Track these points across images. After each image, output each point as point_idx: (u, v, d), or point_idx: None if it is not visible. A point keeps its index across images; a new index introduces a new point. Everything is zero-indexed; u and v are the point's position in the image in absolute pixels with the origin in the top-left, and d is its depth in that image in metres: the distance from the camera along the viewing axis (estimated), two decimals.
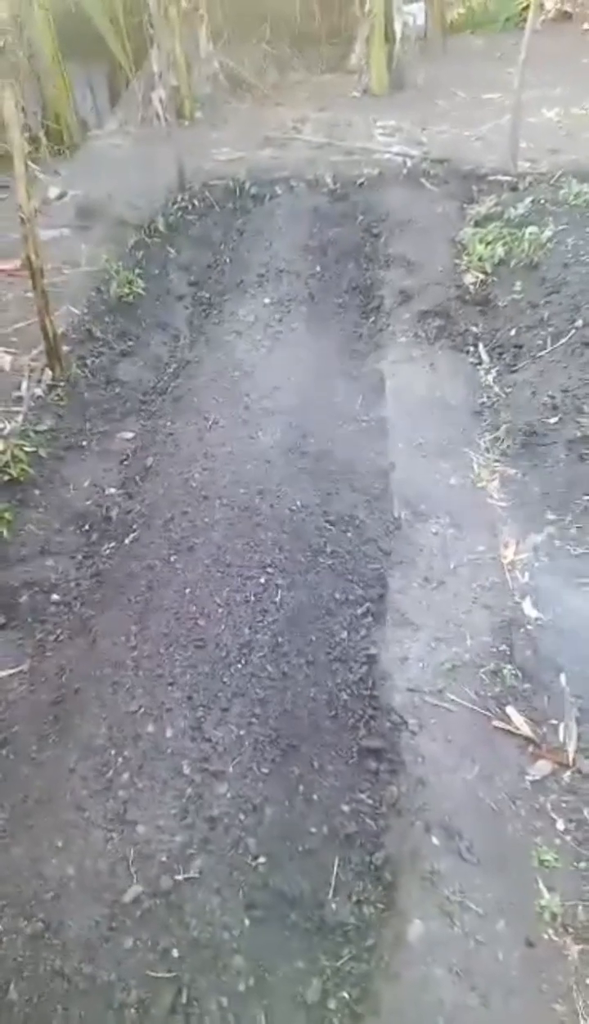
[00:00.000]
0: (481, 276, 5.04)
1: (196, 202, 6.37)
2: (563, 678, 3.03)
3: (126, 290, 5.28)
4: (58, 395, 4.51)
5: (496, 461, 3.93)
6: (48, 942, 2.36)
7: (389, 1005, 2.27)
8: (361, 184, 6.41)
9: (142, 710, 2.94)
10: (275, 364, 4.70)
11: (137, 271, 5.46)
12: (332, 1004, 2.27)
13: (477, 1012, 2.25)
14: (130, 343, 4.96)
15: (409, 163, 6.60)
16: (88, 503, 3.95)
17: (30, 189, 4.19)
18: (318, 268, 5.47)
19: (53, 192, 6.63)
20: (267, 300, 5.23)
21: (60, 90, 7.38)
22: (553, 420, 3.99)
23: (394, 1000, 2.28)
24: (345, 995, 2.28)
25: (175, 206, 6.28)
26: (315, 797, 2.69)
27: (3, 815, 2.69)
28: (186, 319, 5.15)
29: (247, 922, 2.41)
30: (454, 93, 8.04)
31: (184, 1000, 2.26)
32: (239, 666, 3.08)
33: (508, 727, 2.90)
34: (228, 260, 5.69)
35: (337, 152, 7.00)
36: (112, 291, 5.28)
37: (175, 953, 2.35)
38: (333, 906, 2.45)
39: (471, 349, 4.63)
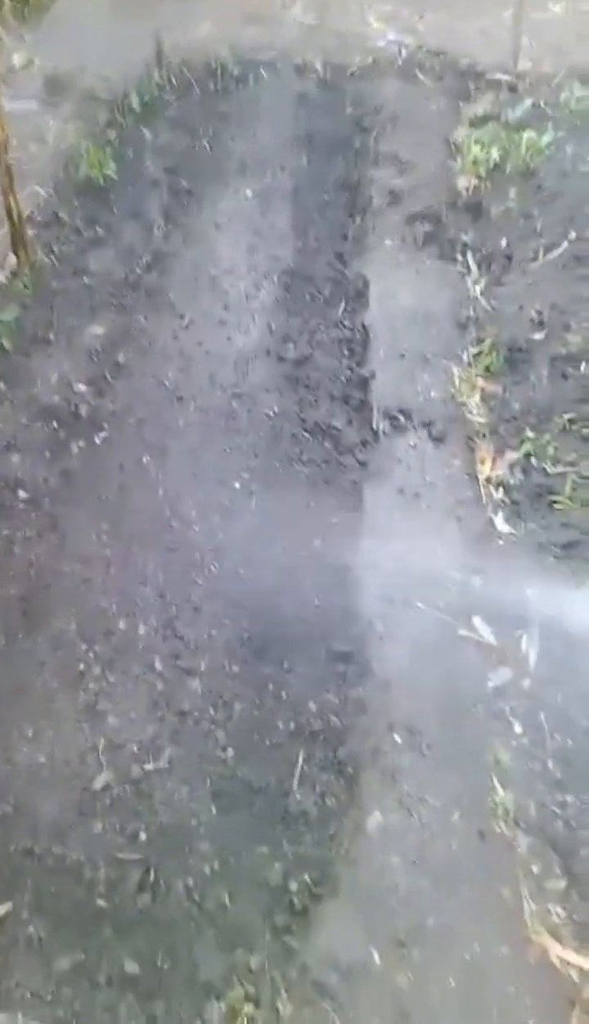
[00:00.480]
0: (474, 181, 4.82)
1: (174, 80, 5.89)
2: (529, 591, 3.09)
3: (97, 172, 4.94)
4: (23, 283, 4.27)
5: (478, 376, 3.87)
6: (19, 824, 2.42)
7: (347, 888, 2.39)
8: (352, 73, 5.99)
9: (113, 607, 2.93)
10: (255, 262, 4.49)
11: (109, 152, 5.10)
12: (293, 886, 2.37)
13: (429, 895, 2.39)
14: (100, 231, 4.68)
15: (404, 53, 6.18)
16: (56, 399, 3.81)
17: None
18: (304, 161, 5.16)
19: (18, 59, 6.09)
20: (249, 192, 4.94)
21: None
22: (539, 336, 3.92)
23: (352, 884, 2.40)
24: (306, 878, 2.39)
25: (152, 83, 5.81)
26: (284, 695, 2.75)
27: None
28: (161, 208, 4.85)
29: (214, 810, 2.49)
30: None
31: (152, 880, 2.35)
32: (212, 568, 3.08)
33: (473, 636, 2.97)
34: (208, 147, 5.32)
35: (328, 36, 6.50)
36: (82, 173, 4.95)
37: (143, 837, 2.42)
38: (297, 796, 2.54)
39: (459, 258, 4.47)
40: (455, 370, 3.92)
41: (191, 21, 6.58)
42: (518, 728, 2.75)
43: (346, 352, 4.02)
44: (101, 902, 2.31)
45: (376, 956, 2.27)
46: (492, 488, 3.43)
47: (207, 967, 2.24)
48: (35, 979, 2.20)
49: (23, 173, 4.69)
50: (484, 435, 3.64)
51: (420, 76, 5.94)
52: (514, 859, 2.48)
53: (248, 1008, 2.16)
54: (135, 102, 5.61)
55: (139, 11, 6.36)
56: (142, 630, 2.87)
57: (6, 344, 3.99)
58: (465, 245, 4.51)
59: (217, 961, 2.26)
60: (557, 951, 2.31)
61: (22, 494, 3.41)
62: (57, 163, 5.08)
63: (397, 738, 2.70)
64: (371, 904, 2.37)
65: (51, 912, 2.29)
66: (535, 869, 2.46)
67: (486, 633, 2.98)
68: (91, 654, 2.79)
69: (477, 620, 3.02)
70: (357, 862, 2.45)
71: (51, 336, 4.10)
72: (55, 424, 3.70)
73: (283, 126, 5.51)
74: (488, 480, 3.45)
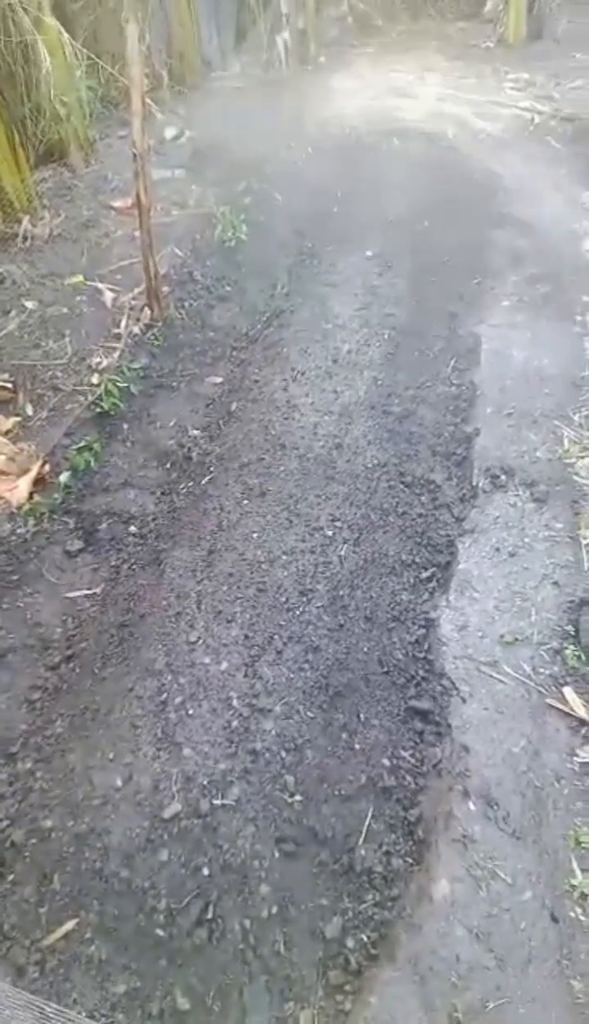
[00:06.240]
0: None
1: (310, 149, 6.26)
2: None
3: (230, 235, 5.30)
4: (154, 335, 4.60)
5: None
6: (91, 844, 2.52)
7: (406, 952, 2.32)
8: (483, 139, 6.14)
9: (201, 642, 3.04)
10: (369, 319, 4.63)
11: (242, 217, 5.45)
12: (350, 943, 2.33)
13: (492, 973, 2.27)
14: (228, 288, 4.99)
15: (536, 119, 6.28)
16: (171, 442, 4.05)
17: (147, 127, 4.21)
18: (426, 223, 5.31)
19: (170, 132, 6.65)
20: (369, 253, 5.13)
21: (187, 28, 7.32)
22: None
23: (411, 949, 2.32)
24: (364, 937, 2.34)
25: (288, 152, 6.19)
26: (357, 746, 2.73)
27: (63, 724, 2.86)
28: (286, 268, 5.12)
29: (277, 854, 2.49)
30: None
31: (210, 916, 2.37)
32: (297, 612, 3.13)
33: (563, 707, 2.84)
34: (334, 210, 5.59)
35: (462, 104, 6.72)
36: (216, 235, 5.31)
37: (206, 872, 2.45)
38: (362, 852, 2.50)
39: (578, 318, 4.42)
40: (565, 430, 3.84)
41: (331, 94, 7.01)
42: None
43: (452, 408, 4.03)
44: (160, 931, 2.35)
45: None
46: None
47: (256, 1015, 2.22)
48: (92, 999, 2.26)
49: (164, 235, 5.11)
50: None
51: (551, 141, 6.00)
52: None
53: None
54: (271, 170, 5.99)
55: (284, 87, 6.83)
56: (224, 666, 2.95)
57: (133, 390, 4.30)
58: (585, 306, 4.45)
59: (267, 1010, 2.23)
60: None
61: (132, 528, 3.62)
62: (195, 226, 5.47)
63: (472, 806, 2.61)
64: (430, 974, 2.28)
65: (113, 934, 2.35)
66: None
67: (577, 706, 2.84)
68: (175, 685, 2.90)
69: (568, 691, 2.89)
70: (420, 928, 2.37)
71: (174, 384, 4.38)
72: (168, 465, 3.93)
73: (410, 191, 5.70)
74: None
